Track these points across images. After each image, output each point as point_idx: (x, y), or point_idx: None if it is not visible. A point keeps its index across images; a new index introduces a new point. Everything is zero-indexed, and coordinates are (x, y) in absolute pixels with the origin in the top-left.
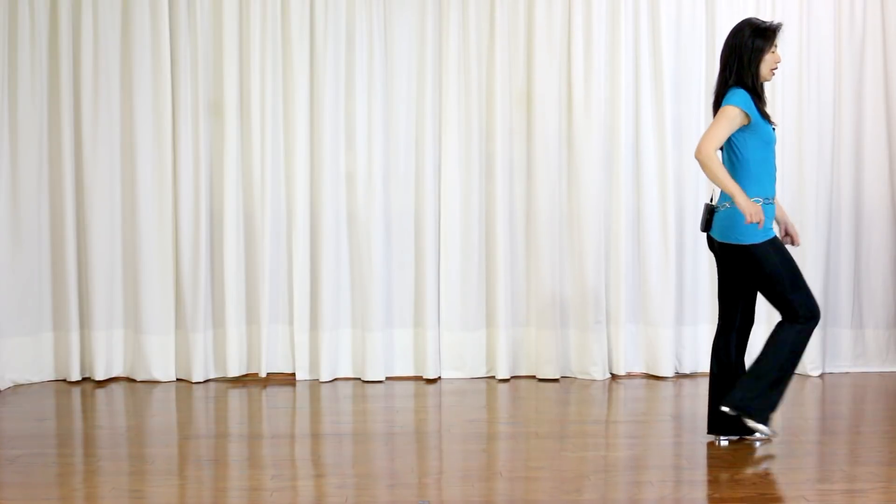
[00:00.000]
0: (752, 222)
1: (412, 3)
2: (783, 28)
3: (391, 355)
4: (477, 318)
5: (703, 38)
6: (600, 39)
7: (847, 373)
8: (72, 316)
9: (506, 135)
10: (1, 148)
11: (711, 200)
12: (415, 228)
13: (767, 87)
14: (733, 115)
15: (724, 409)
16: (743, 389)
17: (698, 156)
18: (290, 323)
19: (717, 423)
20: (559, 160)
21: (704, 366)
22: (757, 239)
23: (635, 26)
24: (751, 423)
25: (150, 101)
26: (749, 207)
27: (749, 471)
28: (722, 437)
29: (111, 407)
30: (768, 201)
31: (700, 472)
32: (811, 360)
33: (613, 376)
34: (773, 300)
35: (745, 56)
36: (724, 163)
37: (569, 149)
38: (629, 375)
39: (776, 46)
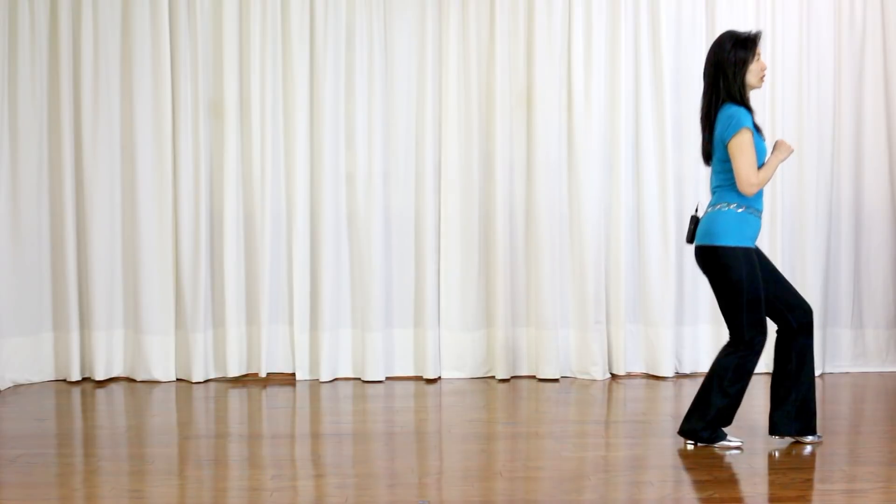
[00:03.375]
0: (791, 150)
1: (412, 4)
2: (763, 36)
3: (391, 355)
4: (477, 318)
5: (703, 38)
6: (600, 39)
7: (847, 373)
8: (72, 316)
9: (506, 135)
10: (1, 148)
11: (696, 211)
12: (415, 228)
13: (767, 89)
14: (748, 138)
15: (681, 436)
16: (693, 419)
17: (751, 192)
18: (290, 323)
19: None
20: (559, 160)
21: (704, 366)
22: (731, 242)
23: (635, 26)
24: (714, 445)
25: (150, 101)
26: (782, 152)
27: (749, 471)
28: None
29: (111, 407)
30: (757, 214)
31: (700, 473)
32: None
33: (613, 376)
34: (726, 312)
35: (730, 69)
36: (718, 174)
37: (569, 149)
38: (629, 375)
39: (759, 55)
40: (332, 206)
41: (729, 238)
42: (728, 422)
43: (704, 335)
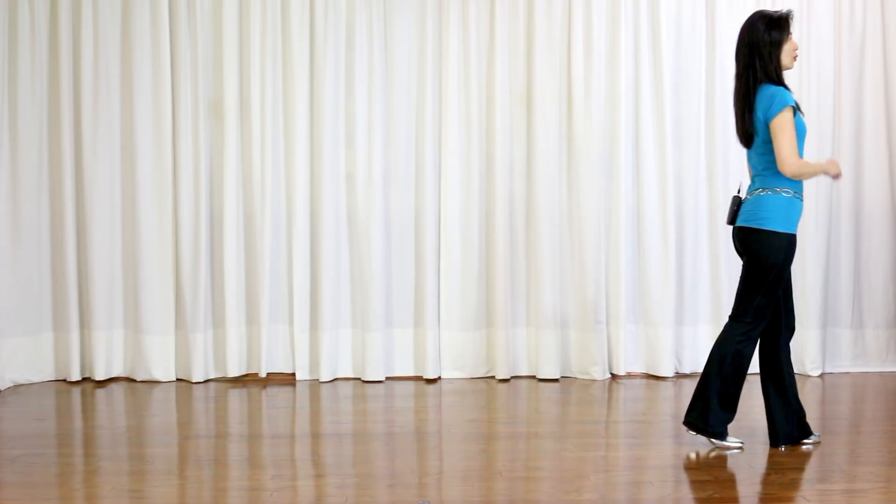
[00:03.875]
0: (839, 174)
1: (412, 3)
2: (794, 14)
3: (391, 355)
4: (477, 318)
5: (703, 38)
6: (600, 39)
7: (847, 373)
8: (72, 316)
9: (506, 135)
10: (1, 148)
11: (739, 192)
12: (415, 228)
13: None
14: (790, 117)
15: (688, 428)
16: (695, 410)
17: (790, 172)
18: (290, 323)
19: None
20: (559, 160)
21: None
22: (779, 227)
23: (635, 26)
24: (714, 442)
25: (150, 101)
26: (831, 168)
27: (748, 471)
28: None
29: (111, 407)
30: (798, 196)
31: (700, 473)
32: (811, 360)
33: (613, 376)
34: (745, 287)
35: (765, 50)
36: (762, 156)
37: (569, 149)
38: (629, 375)
39: (791, 34)
40: (332, 206)
41: (776, 223)
42: (730, 412)
43: (704, 335)
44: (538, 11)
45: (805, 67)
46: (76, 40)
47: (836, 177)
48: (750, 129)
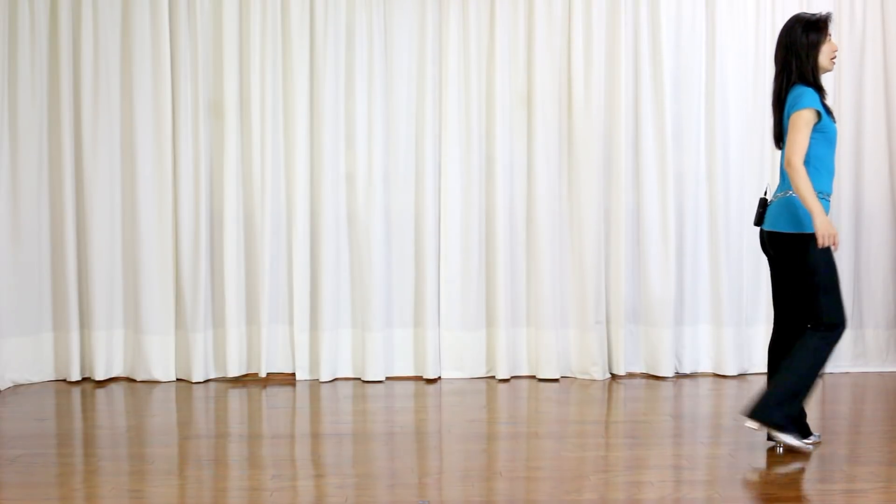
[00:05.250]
0: (824, 245)
1: (412, 3)
2: (832, 17)
3: (391, 355)
4: (477, 318)
5: (703, 38)
6: (600, 39)
7: (847, 373)
8: (72, 316)
9: (506, 135)
10: (1, 148)
11: (766, 194)
12: (415, 228)
13: (767, 89)
14: (809, 118)
15: (749, 424)
16: (764, 401)
17: (789, 168)
18: (290, 323)
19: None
20: (559, 160)
21: (704, 366)
22: (812, 229)
23: (635, 26)
24: (780, 436)
25: (150, 101)
26: (825, 229)
27: (749, 471)
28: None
29: (111, 407)
30: (827, 197)
31: (700, 472)
32: None
33: (613, 376)
34: (804, 297)
35: (803, 52)
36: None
37: (569, 149)
38: (629, 375)
39: (830, 36)
40: (332, 206)
41: (800, 226)
42: (798, 410)
43: (704, 335)
44: (538, 11)
45: None
46: (76, 40)
47: (821, 242)
48: (780, 128)
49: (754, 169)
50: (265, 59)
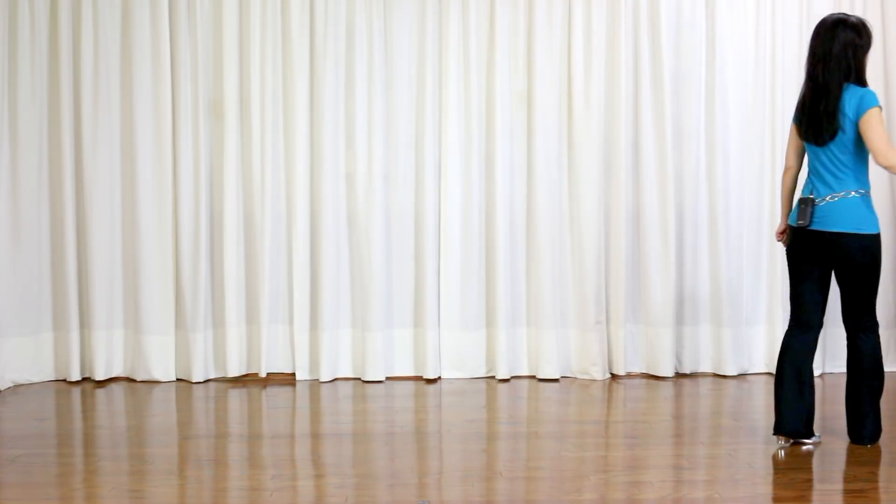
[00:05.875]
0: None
1: (412, 3)
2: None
3: (391, 355)
4: (477, 318)
5: (703, 38)
6: (600, 39)
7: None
8: (72, 316)
9: (506, 135)
10: (1, 148)
11: (812, 194)
12: (415, 228)
13: (767, 89)
14: (880, 115)
15: (868, 445)
16: (872, 420)
17: (886, 163)
18: (290, 323)
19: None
20: (559, 160)
21: (704, 366)
22: (876, 229)
23: (635, 26)
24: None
25: (150, 101)
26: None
27: (748, 471)
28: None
29: (111, 407)
30: (869, 194)
31: (700, 472)
32: None
33: (613, 376)
34: (864, 297)
35: (858, 53)
36: (842, 156)
37: (569, 149)
38: (629, 375)
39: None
40: (332, 206)
41: (875, 225)
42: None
43: (704, 335)
44: (538, 11)
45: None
46: (76, 40)
47: (779, 235)
48: (835, 127)
49: (754, 169)
50: (265, 59)
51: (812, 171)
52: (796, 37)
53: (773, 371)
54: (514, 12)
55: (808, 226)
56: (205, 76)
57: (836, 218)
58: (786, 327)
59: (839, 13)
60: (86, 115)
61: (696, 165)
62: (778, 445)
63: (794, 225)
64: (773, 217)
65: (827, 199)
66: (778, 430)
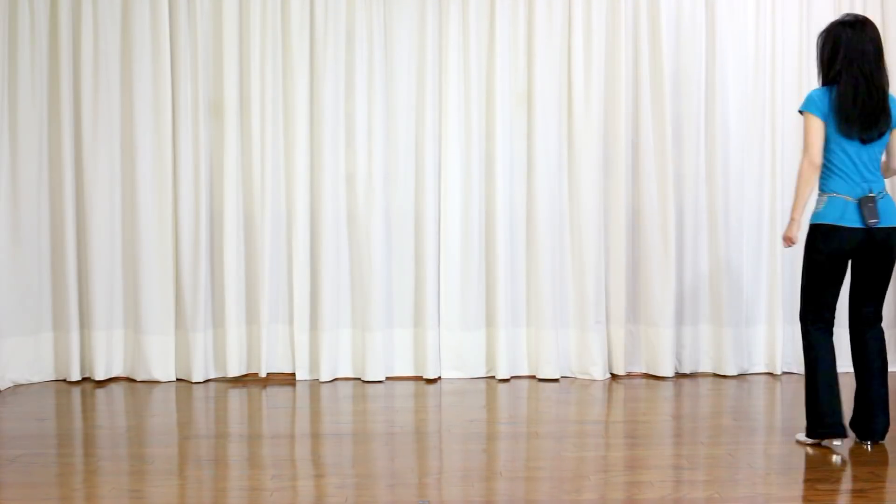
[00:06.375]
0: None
1: (412, 3)
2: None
3: (391, 355)
4: (477, 318)
5: (703, 38)
6: (600, 39)
7: (847, 372)
8: (72, 316)
9: (506, 135)
10: (1, 148)
11: (870, 192)
12: (415, 228)
13: (767, 89)
14: None
15: (881, 441)
16: (886, 414)
17: None
18: (290, 323)
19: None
20: (559, 160)
21: (705, 366)
22: None
23: (635, 26)
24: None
25: (150, 101)
26: (793, 225)
27: (748, 471)
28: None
29: (111, 407)
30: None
31: (700, 472)
32: None
33: (613, 376)
34: (886, 290)
35: (881, 57)
36: (880, 156)
37: (569, 149)
38: (629, 375)
39: None
40: (332, 206)
41: None
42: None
43: (704, 335)
44: (538, 11)
45: (805, 67)
46: (76, 40)
47: (786, 239)
48: (884, 128)
49: (754, 169)
50: (265, 59)
51: (845, 168)
52: (796, 37)
53: (773, 371)
54: (514, 12)
55: (879, 223)
56: (205, 76)
57: (892, 213)
58: (785, 327)
59: (854, 13)
60: (86, 115)
61: (696, 165)
62: (834, 449)
63: (865, 225)
64: (773, 217)
65: (878, 195)
66: (838, 432)
